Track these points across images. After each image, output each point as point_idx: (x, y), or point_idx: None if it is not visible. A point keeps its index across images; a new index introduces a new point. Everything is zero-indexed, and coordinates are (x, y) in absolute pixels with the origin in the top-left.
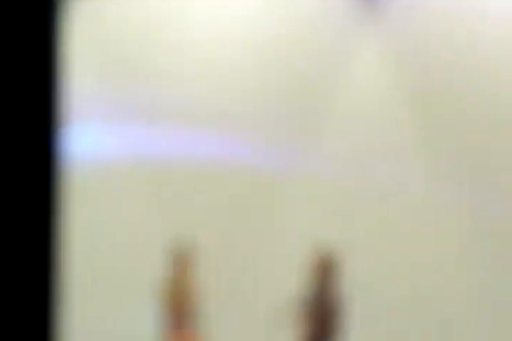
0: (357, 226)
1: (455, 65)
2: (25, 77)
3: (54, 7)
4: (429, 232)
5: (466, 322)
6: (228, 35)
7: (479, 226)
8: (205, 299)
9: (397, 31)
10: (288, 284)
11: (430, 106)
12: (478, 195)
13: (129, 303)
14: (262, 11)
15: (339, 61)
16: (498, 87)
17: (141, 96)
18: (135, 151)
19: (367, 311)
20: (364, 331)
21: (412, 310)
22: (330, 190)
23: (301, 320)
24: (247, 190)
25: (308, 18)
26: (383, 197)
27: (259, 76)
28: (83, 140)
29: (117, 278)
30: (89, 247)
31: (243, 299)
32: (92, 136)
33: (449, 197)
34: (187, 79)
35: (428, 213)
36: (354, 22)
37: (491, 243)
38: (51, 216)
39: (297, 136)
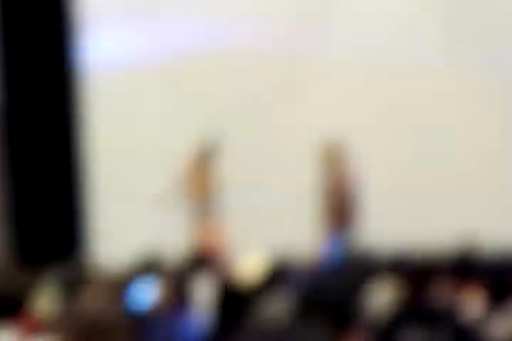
0: (371, 111)
1: None
2: None
3: None
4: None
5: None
6: None
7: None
8: (226, 192)
9: None
10: (304, 175)
11: None
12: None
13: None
14: None
15: None
16: None
17: None
18: (155, 48)
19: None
20: (379, 214)
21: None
22: (346, 75)
23: (323, 211)
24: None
25: None
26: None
27: None
28: (100, 43)
29: (144, 172)
30: (116, 143)
31: (262, 192)
32: (108, 38)
33: (463, 72)
34: None
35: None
36: None
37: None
38: (71, 118)
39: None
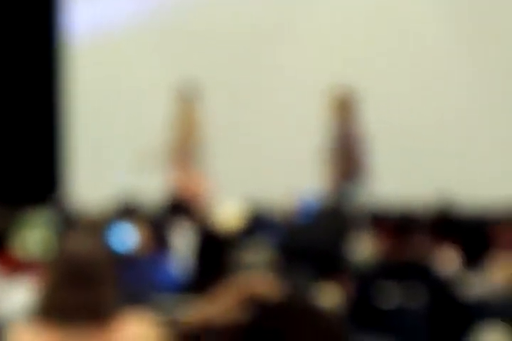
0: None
1: None
2: None
3: None
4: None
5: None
6: None
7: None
8: (210, 138)
9: None
10: (291, 125)
11: None
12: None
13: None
14: None
15: None
16: None
17: None
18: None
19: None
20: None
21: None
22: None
23: (329, 161)
24: (256, 31)
25: None
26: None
27: None
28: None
29: (126, 117)
30: (99, 92)
31: (248, 141)
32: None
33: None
34: None
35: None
36: None
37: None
38: (54, 71)
39: None
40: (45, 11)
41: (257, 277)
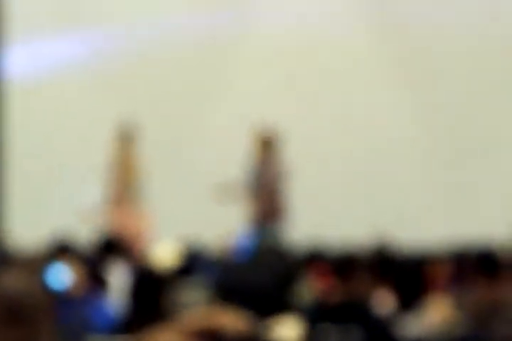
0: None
1: None
2: None
3: None
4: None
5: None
6: None
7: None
8: (148, 175)
9: None
10: (230, 162)
11: None
12: None
13: (73, 181)
14: None
15: None
16: None
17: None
18: (78, 51)
19: (309, 187)
20: (306, 209)
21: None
22: (272, 65)
23: (247, 198)
24: (191, 69)
25: None
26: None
27: None
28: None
29: (65, 158)
30: (38, 136)
31: (184, 176)
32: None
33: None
34: None
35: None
36: None
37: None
38: None
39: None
40: None
41: (216, 310)
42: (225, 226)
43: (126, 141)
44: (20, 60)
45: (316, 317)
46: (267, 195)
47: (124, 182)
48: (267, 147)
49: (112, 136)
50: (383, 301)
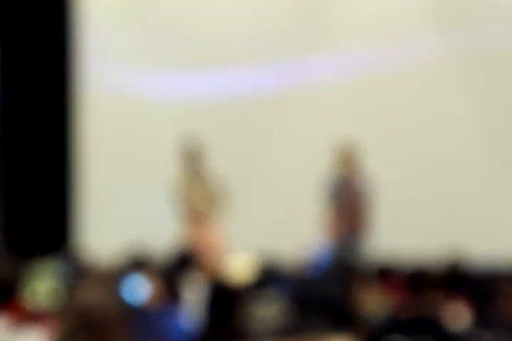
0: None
1: None
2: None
3: None
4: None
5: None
6: None
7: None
8: (223, 193)
9: None
10: (309, 178)
11: None
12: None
13: (148, 202)
14: None
15: None
16: None
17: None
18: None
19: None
20: (390, 224)
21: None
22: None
23: (334, 214)
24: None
25: None
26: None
27: None
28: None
29: (136, 179)
30: (111, 143)
31: (260, 195)
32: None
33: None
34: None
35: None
36: None
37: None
38: (66, 117)
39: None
40: (61, 59)
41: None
42: (300, 241)
43: (195, 158)
44: (97, 72)
45: (388, 330)
46: (349, 211)
47: (198, 198)
48: (349, 163)
49: (180, 153)
50: (457, 316)
